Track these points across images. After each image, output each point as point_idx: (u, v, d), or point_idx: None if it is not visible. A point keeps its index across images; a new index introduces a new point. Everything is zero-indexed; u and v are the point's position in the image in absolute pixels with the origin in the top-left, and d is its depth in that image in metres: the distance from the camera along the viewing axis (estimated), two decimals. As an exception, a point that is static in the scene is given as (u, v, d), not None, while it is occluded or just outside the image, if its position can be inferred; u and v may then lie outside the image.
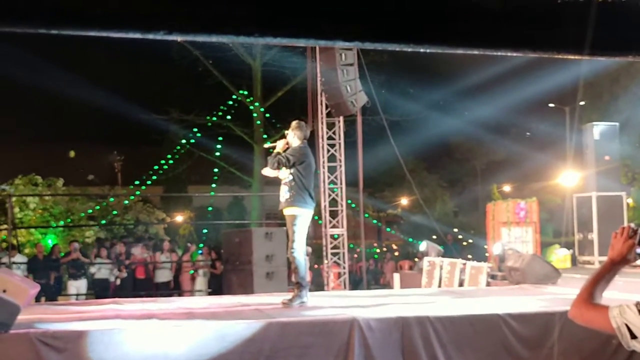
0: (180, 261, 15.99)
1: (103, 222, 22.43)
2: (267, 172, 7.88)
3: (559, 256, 13.57)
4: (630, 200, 18.83)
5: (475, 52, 1.56)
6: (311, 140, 15.18)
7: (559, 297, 8.14)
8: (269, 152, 8.13)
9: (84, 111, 28.78)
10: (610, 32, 1.62)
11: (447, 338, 6.31)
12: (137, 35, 1.21)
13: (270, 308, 7.16)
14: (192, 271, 15.83)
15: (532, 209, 13.55)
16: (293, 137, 7.63)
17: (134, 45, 23.26)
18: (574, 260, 14.11)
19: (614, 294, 8.03)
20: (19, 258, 14.56)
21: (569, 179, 21.50)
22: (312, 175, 7.71)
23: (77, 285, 14.51)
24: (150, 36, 1.22)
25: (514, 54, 1.60)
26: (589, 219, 14.00)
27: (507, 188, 32.60)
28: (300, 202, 7.49)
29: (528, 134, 31.51)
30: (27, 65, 23.36)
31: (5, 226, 16.12)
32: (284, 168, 7.53)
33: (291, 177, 7.50)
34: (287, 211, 7.54)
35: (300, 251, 7.45)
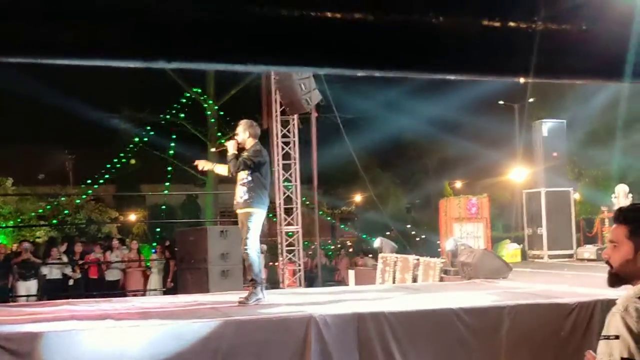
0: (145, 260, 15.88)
1: (54, 221, 22.08)
2: (221, 170, 7.90)
3: (510, 251, 13.87)
4: (577, 196, 19.33)
5: (425, 76, 1.66)
6: (266, 139, 15.29)
7: (509, 291, 8.34)
8: (220, 142, 8.16)
9: (33, 109, 28.18)
10: (553, 58, 1.74)
11: (401, 332, 6.41)
12: (138, 65, 1.29)
13: (227, 306, 7.17)
14: (145, 270, 15.72)
15: (484, 204, 13.82)
16: (247, 136, 7.63)
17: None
18: (524, 255, 14.44)
19: (564, 288, 8.26)
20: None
21: (519, 175, 21.96)
22: (269, 175, 7.77)
23: (27, 286, 14.23)
24: (151, 65, 1.30)
25: (461, 78, 1.69)
26: (538, 214, 14.35)
27: (458, 184, 33.11)
28: (258, 202, 7.50)
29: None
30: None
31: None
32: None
33: (250, 178, 7.47)
34: (243, 210, 7.54)
35: (253, 248, 7.46)
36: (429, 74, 1.71)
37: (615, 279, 2.65)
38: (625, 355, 2.43)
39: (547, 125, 14.69)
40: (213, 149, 8.74)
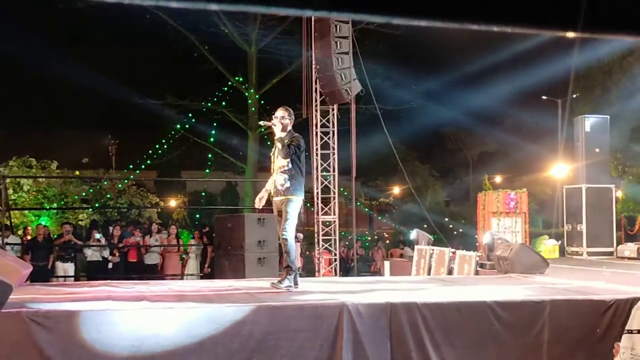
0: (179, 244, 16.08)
1: (97, 205, 22.45)
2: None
3: (548, 246, 13.68)
4: (620, 193, 19.00)
5: (465, 26, 1.57)
6: (305, 128, 15.35)
7: (546, 286, 8.23)
8: (264, 137, 8.18)
9: (79, 94, 28.72)
10: (604, 8, 1.64)
11: (434, 324, 6.39)
12: (174, 4, 1.29)
13: (261, 292, 7.23)
14: (182, 255, 15.91)
15: (522, 199, 13.64)
16: (291, 123, 7.63)
17: (131, 29, 23.24)
18: (562, 251, 14.24)
19: (601, 284, 8.15)
20: (12, 239, 14.62)
21: (560, 170, 21.65)
22: (306, 163, 7.81)
23: (65, 268, 14.55)
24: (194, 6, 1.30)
25: (505, 29, 1.60)
26: (579, 210, 14.13)
27: (498, 179, 32.77)
28: (298, 190, 7.54)
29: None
30: (22, 47, 23.30)
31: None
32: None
33: (290, 165, 7.47)
34: (283, 198, 7.51)
35: (291, 236, 7.53)
36: (471, 24, 1.65)
37: None
38: None
39: (589, 121, 14.44)
40: (261, 122, 8.62)
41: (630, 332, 2.48)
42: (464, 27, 1.71)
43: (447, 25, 1.68)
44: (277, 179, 7.54)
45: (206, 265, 15.08)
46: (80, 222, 20.36)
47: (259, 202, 7.92)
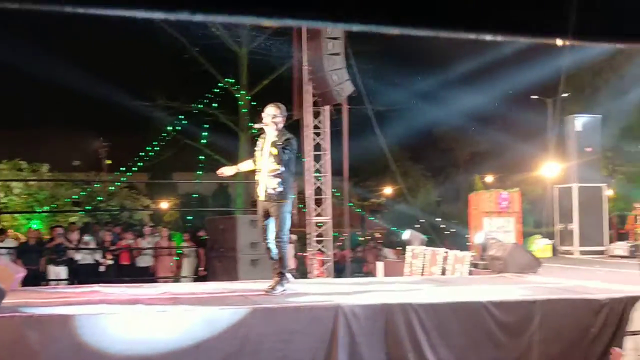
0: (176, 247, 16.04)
1: (88, 208, 22.37)
2: (246, 168, 7.87)
3: (540, 246, 13.68)
4: (610, 192, 19.05)
5: (458, 35, 1.56)
6: (297, 129, 15.33)
7: (539, 285, 8.25)
8: (255, 138, 8.09)
9: (69, 96, 28.58)
10: (595, 17, 1.64)
11: (430, 325, 6.39)
12: (161, 16, 1.30)
13: (255, 294, 7.20)
14: (176, 258, 15.85)
15: (515, 199, 13.63)
16: (282, 121, 7.45)
17: (120, 31, 23.15)
18: (554, 250, 14.26)
19: (595, 283, 8.15)
20: (7, 243, 14.54)
21: (550, 170, 21.70)
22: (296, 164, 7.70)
23: (57, 271, 14.43)
24: (173, 17, 1.31)
25: (497, 39, 1.59)
26: (570, 209, 14.15)
27: (489, 179, 32.81)
28: (290, 193, 7.42)
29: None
30: (9, 47, 23.17)
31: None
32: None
33: (283, 169, 7.27)
34: (277, 202, 7.32)
35: (287, 239, 7.50)
36: (463, 34, 1.66)
37: None
38: None
39: (580, 120, 14.47)
40: (255, 125, 8.35)
41: (634, 333, 2.48)
42: (456, 37, 1.72)
43: (439, 34, 1.69)
44: (269, 183, 7.30)
45: (202, 268, 15.02)
46: (71, 225, 20.27)
47: (223, 171, 7.91)
